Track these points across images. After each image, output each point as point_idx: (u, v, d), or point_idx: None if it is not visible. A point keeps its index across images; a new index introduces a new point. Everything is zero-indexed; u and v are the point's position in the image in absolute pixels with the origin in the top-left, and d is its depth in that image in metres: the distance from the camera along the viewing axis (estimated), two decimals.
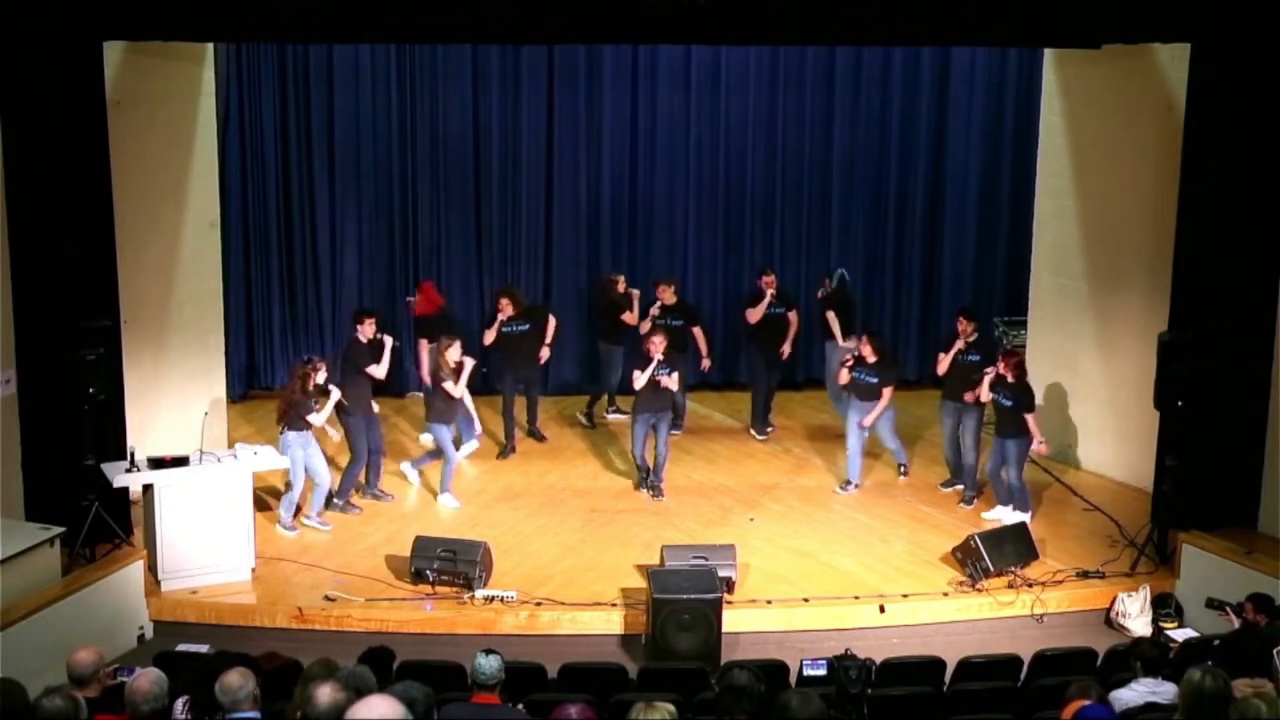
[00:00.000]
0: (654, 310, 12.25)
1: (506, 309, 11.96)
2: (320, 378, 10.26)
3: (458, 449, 11.43)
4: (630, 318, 12.70)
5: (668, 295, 12.29)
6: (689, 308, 12.68)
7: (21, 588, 8.44)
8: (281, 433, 10.23)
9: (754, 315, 12.50)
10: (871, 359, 11.11)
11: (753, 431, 12.84)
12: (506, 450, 12.12)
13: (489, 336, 12.04)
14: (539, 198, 13.90)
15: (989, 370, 10.66)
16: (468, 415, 11.62)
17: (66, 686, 5.48)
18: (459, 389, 10.87)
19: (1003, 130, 14.16)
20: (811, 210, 14.23)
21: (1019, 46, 13.28)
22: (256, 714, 5.24)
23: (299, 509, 10.47)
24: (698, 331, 12.52)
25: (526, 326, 12.05)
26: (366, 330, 10.83)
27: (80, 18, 8.81)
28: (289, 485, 10.40)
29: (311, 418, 10.19)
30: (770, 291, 12.47)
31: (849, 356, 11.34)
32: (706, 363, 12.83)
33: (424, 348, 12.29)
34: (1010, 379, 10.46)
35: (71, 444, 9.14)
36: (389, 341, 10.85)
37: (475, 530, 10.25)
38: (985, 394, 10.71)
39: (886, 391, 11.15)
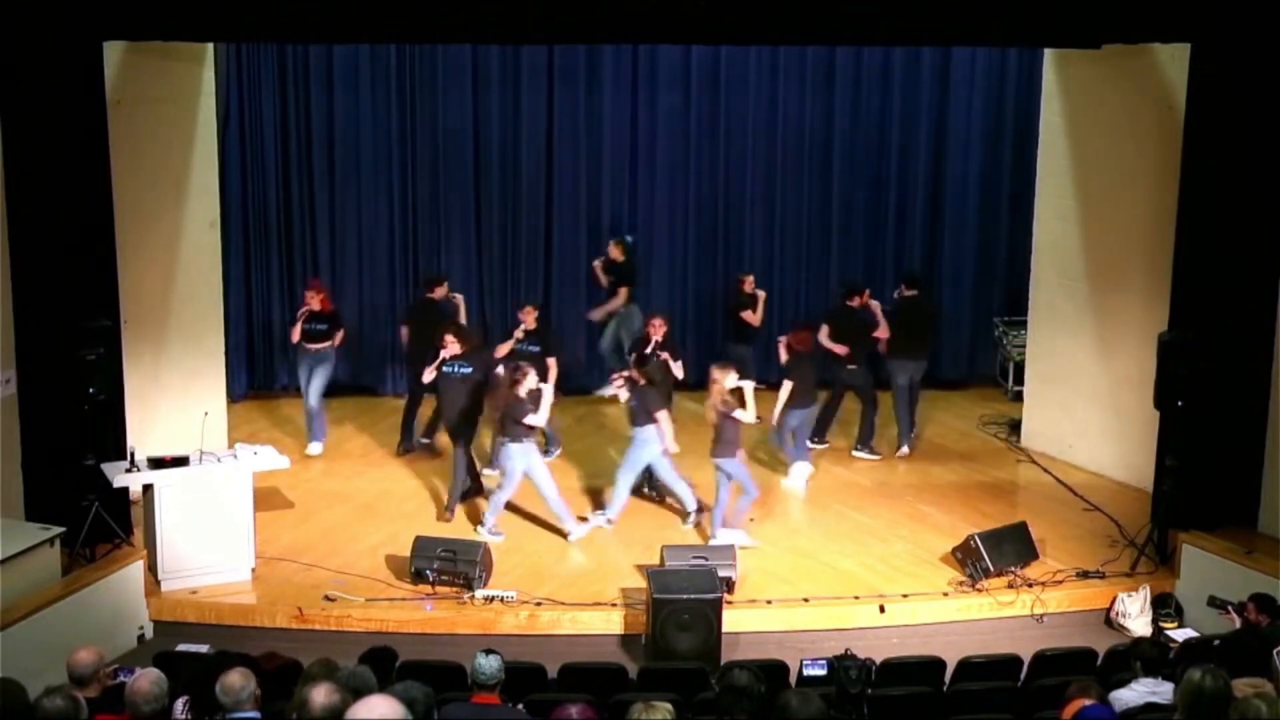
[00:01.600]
0: (518, 333, 11.47)
1: (450, 345, 10.72)
2: (532, 381, 10.13)
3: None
4: (751, 318, 12.51)
5: (529, 320, 11.48)
6: (548, 335, 11.83)
7: (21, 588, 8.43)
8: (503, 444, 10.21)
9: (886, 332, 12.09)
10: (642, 383, 10.65)
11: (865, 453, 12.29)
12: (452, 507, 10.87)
13: (428, 374, 10.95)
14: (539, 197, 13.90)
15: (617, 377, 10.96)
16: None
17: (66, 686, 5.48)
18: (750, 415, 10.11)
19: (1003, 130, 14.16)
20: (811, 210, 14.23)
21: (1019, 46, 13.28)
22: (257, 714, 5.25)
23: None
24: (551, 362, 11.41)
25: (469, 370, 10.75)
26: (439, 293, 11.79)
27: (80, 18, 8.80)
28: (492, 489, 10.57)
29: (530, 419, 10.10)
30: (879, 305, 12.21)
31: (619, 378, 10.95)
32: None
33: (339, 339, 12.05)
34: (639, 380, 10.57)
35: (71, 444, 9.14)
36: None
37: (475, 530, 10.25)
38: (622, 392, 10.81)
39: (661, 415, 10.44)
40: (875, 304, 12.23)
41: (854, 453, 12.27)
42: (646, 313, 12.13)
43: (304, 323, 11.93)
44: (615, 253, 13.21)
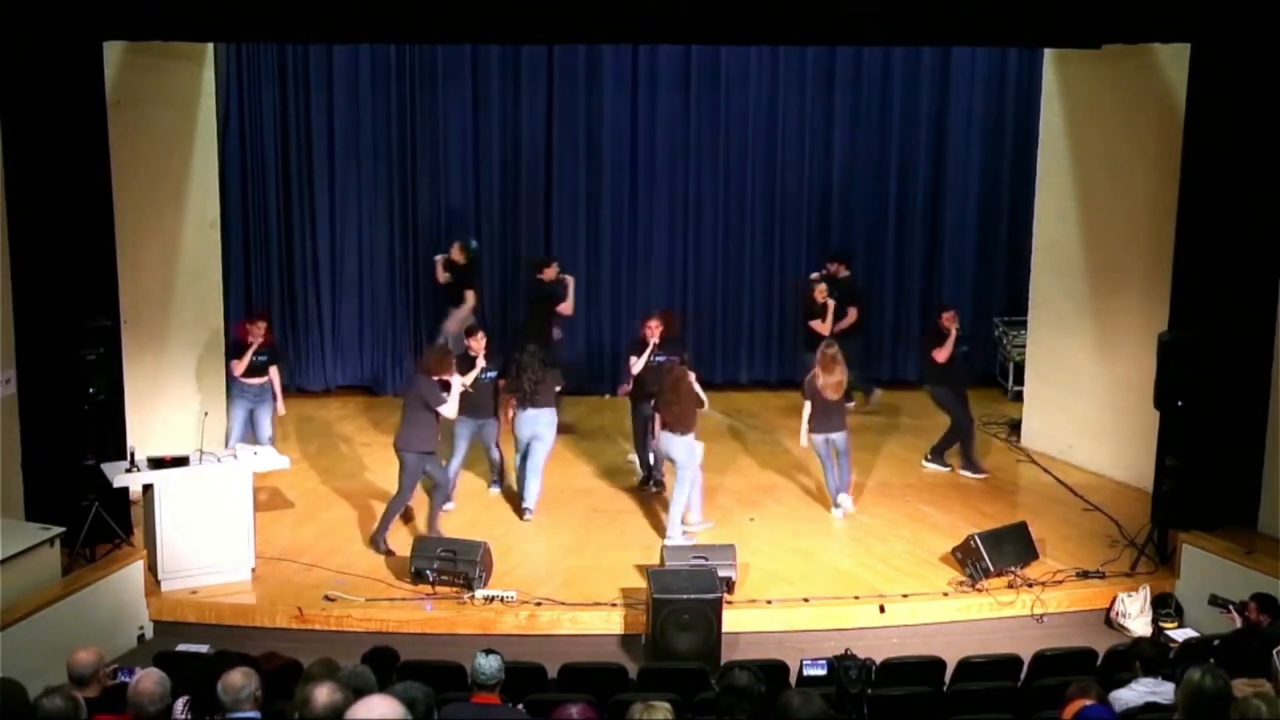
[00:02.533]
0: (480, 362, 10.81)
1: (480, 349, 10.46)
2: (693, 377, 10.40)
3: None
4: (821, 327, 12.36)
5: (481, 346, 10.73)
6: (506, 359, 11.30)
7: (21, 588, 8.43)
8: (679, 438, 10.28)
9: (942, 355, 11.68)
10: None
11: (966, 473, 11.91)
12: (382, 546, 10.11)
13: (451, 408, 10.07)
14: (539, 198, 13.92)
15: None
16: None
17: (66, 686, 5.48)
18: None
19: (1003, 130, 14.18)
20: (812, 210, 14.25)
21: (1019, 46, 13.29)
22: (257, 714, 5.24)
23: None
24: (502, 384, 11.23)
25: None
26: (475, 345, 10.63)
27: (80, 18, 8.81)
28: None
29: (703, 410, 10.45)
30: (955, 329, 11.75)
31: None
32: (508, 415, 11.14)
33: (274, 373, 11.38)
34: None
35: (71, 444, 9.13)
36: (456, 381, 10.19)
37: (475, 530, 10.26)
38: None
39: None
40: (954, 328, 11.69)
41: (924, 464, 12.12)
42: (643, 312, 12.05)
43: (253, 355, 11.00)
44: (456, 254, 12.96)
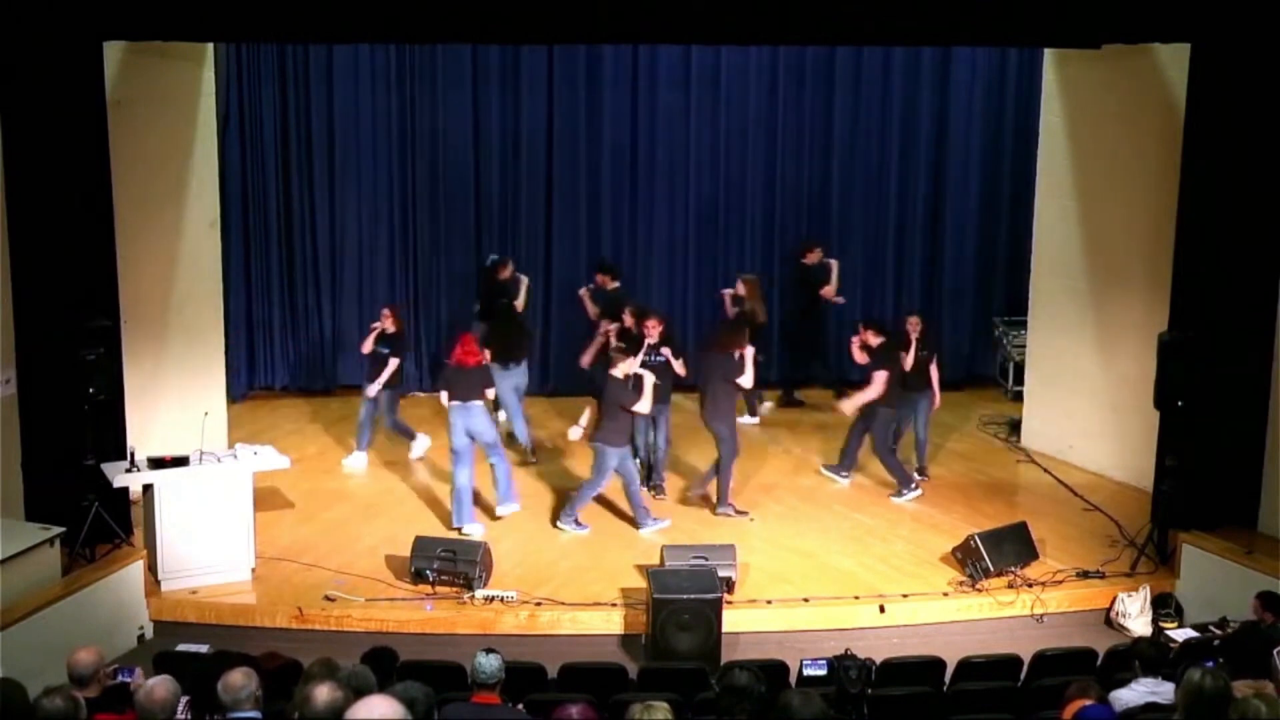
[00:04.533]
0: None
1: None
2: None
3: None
4: (903, 359, 11.61)
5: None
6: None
7: (21, 588, 8.43)
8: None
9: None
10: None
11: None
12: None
13: (748, 379, 10.67)
14: (539, 198, 13.92)
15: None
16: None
17: (66, 686, 5.49)
18: None
19: (1003, 130, 14.18)
20: (812, 210, 14.24)
21: (1019, 46, 13.30)
22: (257, 714, 5.24)
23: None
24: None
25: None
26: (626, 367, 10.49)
27: (80, 18, 8.81)
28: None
29: None
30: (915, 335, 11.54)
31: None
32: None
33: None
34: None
35: (71, 444, 9.14)
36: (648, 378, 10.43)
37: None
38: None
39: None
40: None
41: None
42: (636, 308, 11.74)
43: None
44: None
